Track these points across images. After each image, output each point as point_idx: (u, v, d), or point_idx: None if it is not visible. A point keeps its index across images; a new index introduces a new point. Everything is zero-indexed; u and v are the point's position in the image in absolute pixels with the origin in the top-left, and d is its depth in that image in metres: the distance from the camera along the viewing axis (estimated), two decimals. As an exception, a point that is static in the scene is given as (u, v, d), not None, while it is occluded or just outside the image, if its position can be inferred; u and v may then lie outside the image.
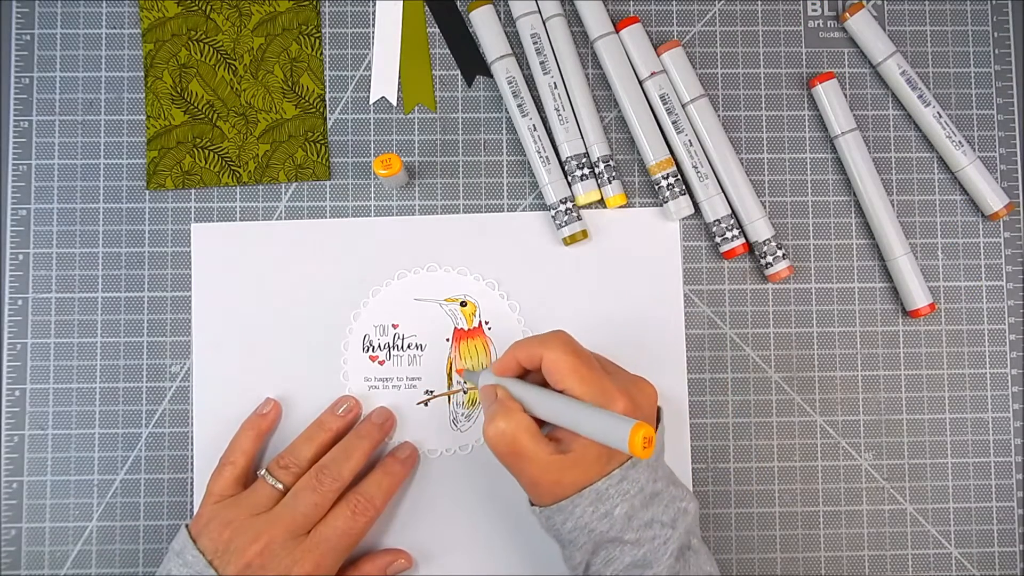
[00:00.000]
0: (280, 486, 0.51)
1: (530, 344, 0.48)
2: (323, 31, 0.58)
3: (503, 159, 0.58)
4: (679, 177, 0.56)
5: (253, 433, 0.53)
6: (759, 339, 0.57)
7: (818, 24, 0.59)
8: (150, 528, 0.55)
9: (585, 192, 0.56)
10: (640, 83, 0.57)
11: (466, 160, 0.58)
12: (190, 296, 0.56)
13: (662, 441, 0.50)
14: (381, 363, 0.56)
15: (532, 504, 0.49)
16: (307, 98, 0.57)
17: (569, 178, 0.56)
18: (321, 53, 0.58)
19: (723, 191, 0.56)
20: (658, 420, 0.50)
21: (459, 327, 0.56)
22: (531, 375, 0.49)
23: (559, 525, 0.47)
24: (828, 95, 0.57)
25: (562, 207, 0.56)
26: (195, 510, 0.54)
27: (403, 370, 0.56)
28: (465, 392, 0.56)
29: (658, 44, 0.57)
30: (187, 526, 0.50)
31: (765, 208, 0.57)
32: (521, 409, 0.47)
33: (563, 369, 0.46)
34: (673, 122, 0.56)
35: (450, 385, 0.56)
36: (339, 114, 0.58)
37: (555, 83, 0.56)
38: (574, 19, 0.58)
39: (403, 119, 0.58)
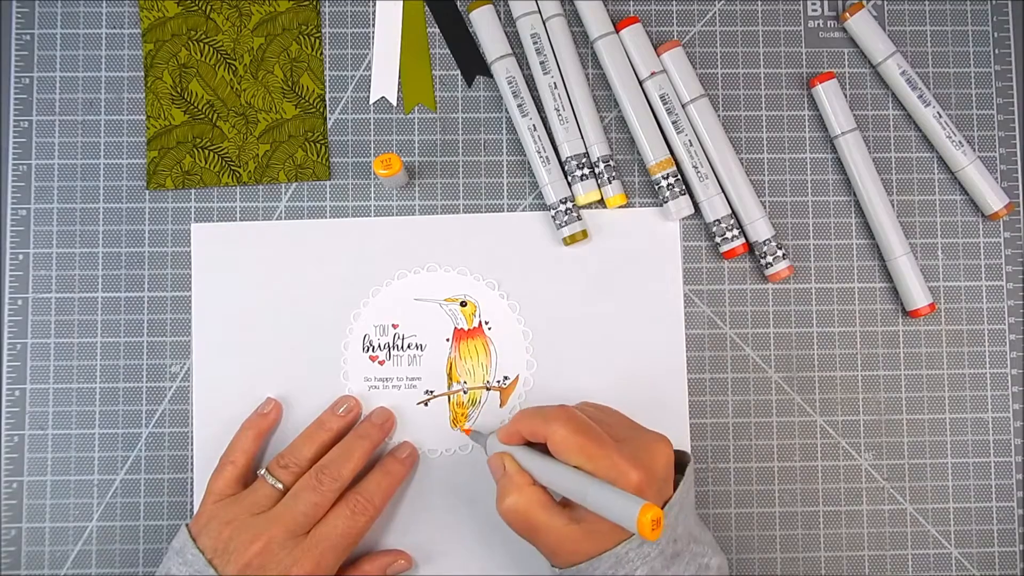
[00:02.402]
0: (280, 486, 0.51)
1: (534, 421, 0.47)
2: (323, 31, 0.58)
3: (503, 159, 0.58)
4: (679, 177, 0.56)
5: (253, 433, 0.54)
6: (759, 339, 0.57)
7: (818, 24, 0.59)
8: (150, 528, 0.55)
9: (585, 192, 0.56)
10: (640, 83, 0.57)
11: (466, 160, 0.58)
12: (190, 296, 0.56)
13: (690, 496, 0.49)
14: (381, 363, 0.56)
15: (552, 564, 0.48)
16: (307, 98, 0.57)
17: (569, 178, 0.56)
18: (321, 53, 0.58)
19: (723, 191, 0.56)
20: (681, 470, 0.49)
21: (459, 327, 0.56)
22: (538, 444, 0.49)
23: None
24: (828, 95, 0.57)
25: (562, 207, 0.56)
26: (195, 510, 0.54)
27: (403, 370, 0.56)
28: (465, 392, 0.56)
29: (658, 44, 0.57)
30: (187, 525, 0.50)
31: (765, 208, 0.57)
32: (531, 482, 0.47)
33: (571, 449, 0.45)
34: (673, 122, 0.56)
35: (450, 385, 0.56)
36: (339, 114, 0.58)
37: (555, 83, 0.56)
38: (574, 19, 0.58)
39: (403, 119, 0.58)
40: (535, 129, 0.56)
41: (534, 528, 0.46)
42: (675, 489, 0.47)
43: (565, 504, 0.47)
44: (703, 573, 0.47)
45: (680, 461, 0.50)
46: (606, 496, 0.43)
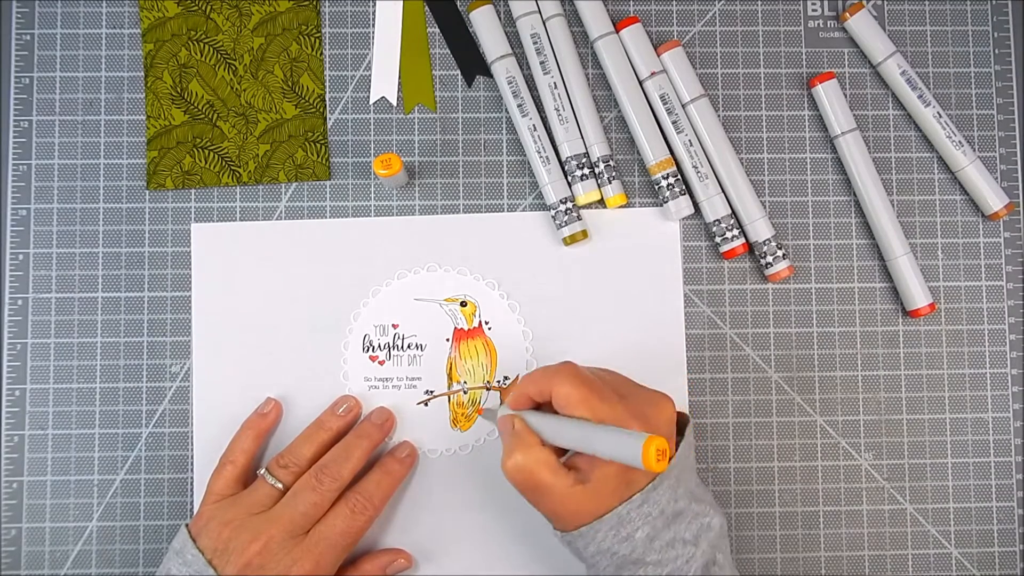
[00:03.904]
0: (280, 485, 0.51)
1: (539, 378, 0.47)
2: (323, 31, 0.58)
3: (503, 159, 0.58)
4: (679, 177, 0.56)
5: (253, 433, 0.54)
6: (759, 339, 0.57)
7: (818, 24, 0.59)
8: (150, 528, 0.55)
9: (585, 192, 0.56)
10: (640, 83, 0.57)
11: (466, 160, 0.58)
12: (190, 296, 0.56)
13: (690, 456, 0.50)
14: (381, 363, 0.56)
15: (555, 528, 0.48)
16: (307, 98, 0.57)
17: (569, 178, 0.56)
18: (321, 53, 0.58)
19: (723, 191, 0.56)
20: (682, 433, 0.49)
21: (459, 327, 0.56)
22: (545, 405, 0.49)
23: (581, 549, 0.47)
24: (828, 95, 0.57)
25: (562, 207, 0.56)
26: (195, 510, 0.54)
27: (403, 370, 0.56)
28: (465, 392, 0.56)
29: (658, 44, 0.57)
30: (187, 525, 0.50)
31: (765, 208, 0.57)
32: (539, 442, 0.47)
33: (574, 402, 0.46)
34: (673, 122, 0.56)
35: (450, 385, 0.56)
36: (339, 114, 0.58)
37: (555, 83, 0.56)
38: (574, 19, 0.58)
39: (403, 119, 0.58)
40: (535, 129, 0.56)
41: (538, 487, 0.46)
42: (676, 449, 0.48)
43: (571, 467, 0.47)
44: (705, 532, 0.47)
45: (679, 422, 0.50)
46: (610, 437, 0.43)
